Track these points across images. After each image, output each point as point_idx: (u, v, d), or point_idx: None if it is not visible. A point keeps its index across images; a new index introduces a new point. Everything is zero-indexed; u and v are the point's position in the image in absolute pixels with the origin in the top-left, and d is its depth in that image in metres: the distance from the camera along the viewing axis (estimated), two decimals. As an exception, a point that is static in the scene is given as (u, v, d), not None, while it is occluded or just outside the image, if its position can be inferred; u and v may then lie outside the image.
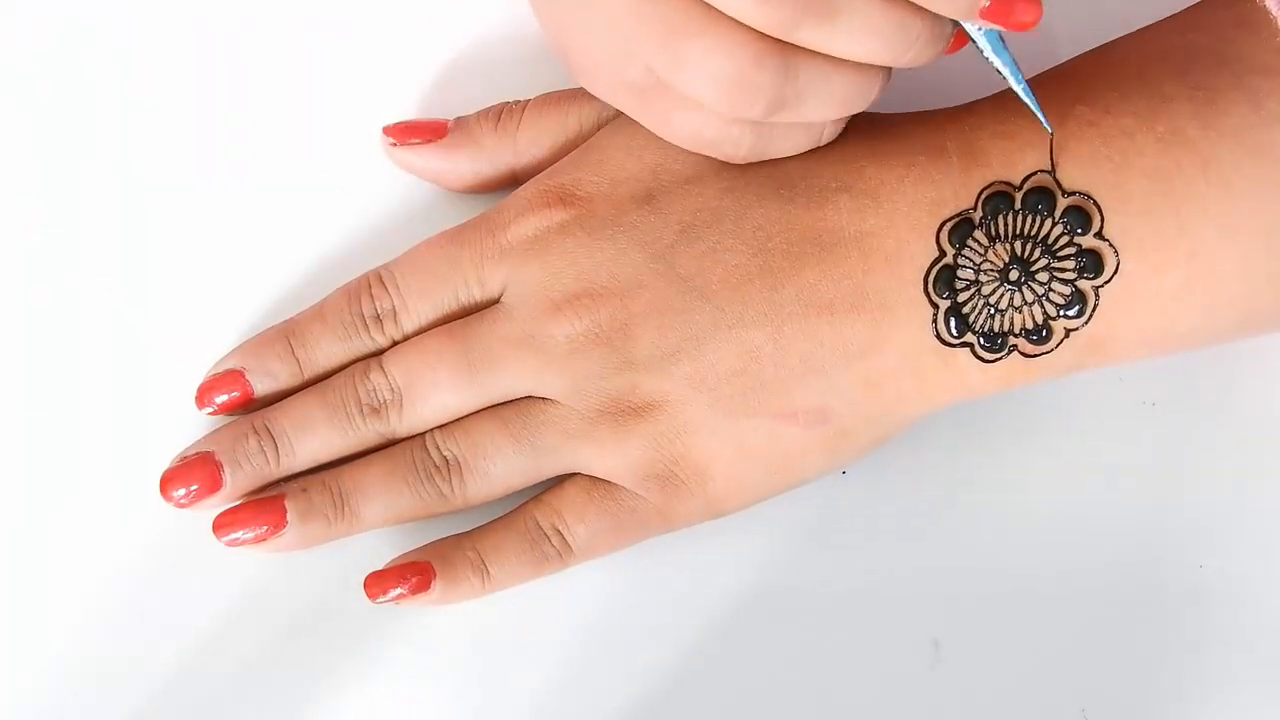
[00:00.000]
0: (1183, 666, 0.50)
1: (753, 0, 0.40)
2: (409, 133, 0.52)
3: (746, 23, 0.41)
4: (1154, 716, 0.50)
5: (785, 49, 0.42)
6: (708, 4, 0.41)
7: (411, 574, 0.49)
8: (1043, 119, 0.45)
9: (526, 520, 0.49)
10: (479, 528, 0.50)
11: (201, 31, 0.54)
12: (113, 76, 0.54)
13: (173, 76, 0.54)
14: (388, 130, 0.52)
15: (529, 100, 0.52)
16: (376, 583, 0.49)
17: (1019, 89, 0.45)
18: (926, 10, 0.41)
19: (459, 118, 0.52)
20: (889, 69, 0.44)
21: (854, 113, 0.45)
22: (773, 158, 0.47)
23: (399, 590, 0.49)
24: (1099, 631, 0.51)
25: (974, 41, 0.44)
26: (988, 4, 0.41)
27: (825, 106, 0.44)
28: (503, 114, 0.51)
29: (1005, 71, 0.44)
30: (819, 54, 0.42)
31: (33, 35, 0.54)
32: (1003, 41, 0.44)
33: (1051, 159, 0.46)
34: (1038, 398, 0.51)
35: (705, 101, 0.43)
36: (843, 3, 0.40)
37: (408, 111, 0.53)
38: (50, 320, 0.52)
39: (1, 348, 0.52)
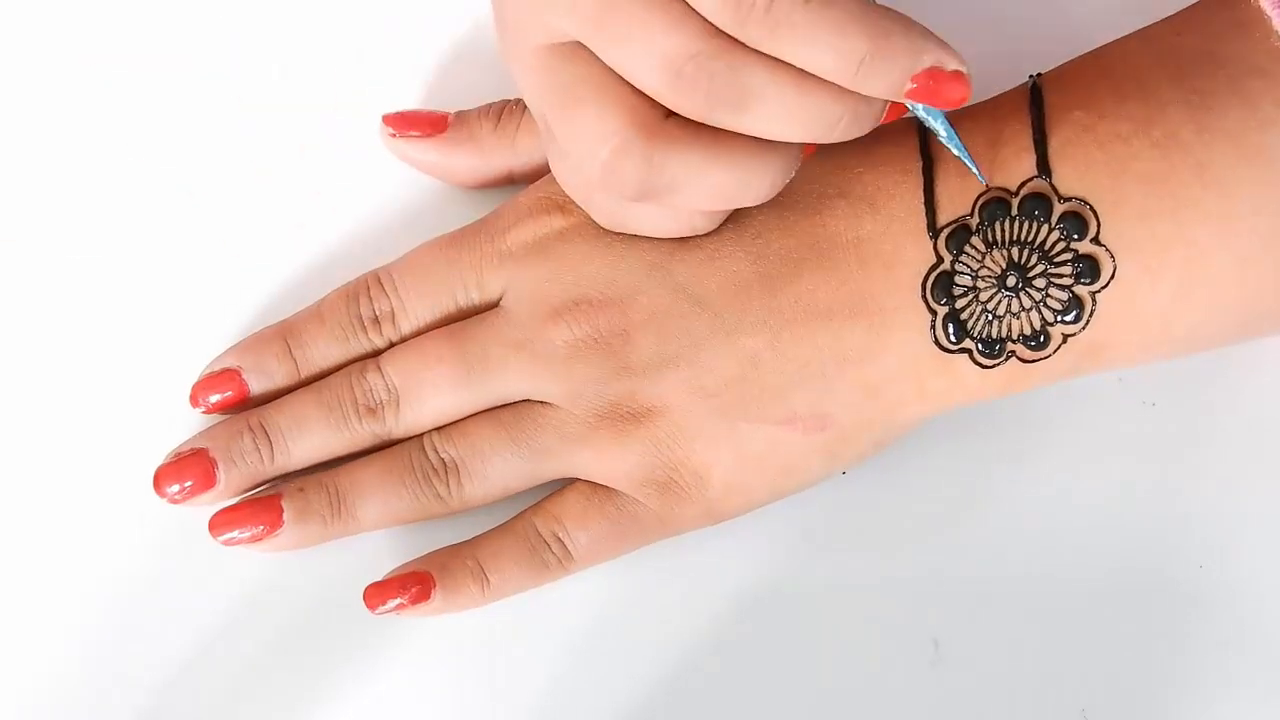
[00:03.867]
0: (1183, 666, 0.50)
1: (662, 86, 0.40)
2: (408, 124, 0.52)
3: (662, 103, 0.41)
4: (1154, 716, 0.50)
5: (656, 139, 0.41)
6: (613, 70, 0.41)
7: (412, 584, 0.49)
8: (977, 173, 0.45)
9: (526, 527, 0.49)
10: (478, 536, 0.50)
11: (201, 30, 0.54)
12: (112, 74, 0.54)
13: (171, 74, 0.54)
14: (387, 119, 0.52)
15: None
16: (377, 593, 0.49)
17: (953, 147, 0.45)
18: (850, 92, 0.40)
19: (459, 112, 0.52)
20: (789, 164, 0.43)
21: (742, 206, 0.44)
22: (636, 233, 0.47)
23: (399, 600, 0.49)
24: (1099, 631, 0.51)
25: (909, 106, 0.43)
26: (914, 86, 0.40)
27: (702, 200, 0.43)
28: (503, 114, 0.51)
29: (940, 131, 0.44)
30: (700, 147, 0.41)
31: (32, 33, 0.54)
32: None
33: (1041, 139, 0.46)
34: (1037, 398, 0.51)
35: (585, 175, 0.43)
36: (756, 90, 0.40)
37: (409, 105, 0.53)
38: (46, 317, 0.52)
39: (-2, 346, 0.52)
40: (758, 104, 0.40)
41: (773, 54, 0.39)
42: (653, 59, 0.39)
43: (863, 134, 0.41)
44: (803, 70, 0.39)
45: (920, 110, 0.44)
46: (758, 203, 0.44)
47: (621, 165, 0.41)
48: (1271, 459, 0.52)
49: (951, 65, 0.40)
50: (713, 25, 0.39)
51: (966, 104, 0.40)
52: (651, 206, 0.45)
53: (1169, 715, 0.50)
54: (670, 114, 0.41)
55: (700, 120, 0.41)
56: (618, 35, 0.40)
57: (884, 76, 0.39)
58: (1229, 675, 0.50)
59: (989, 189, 0.46)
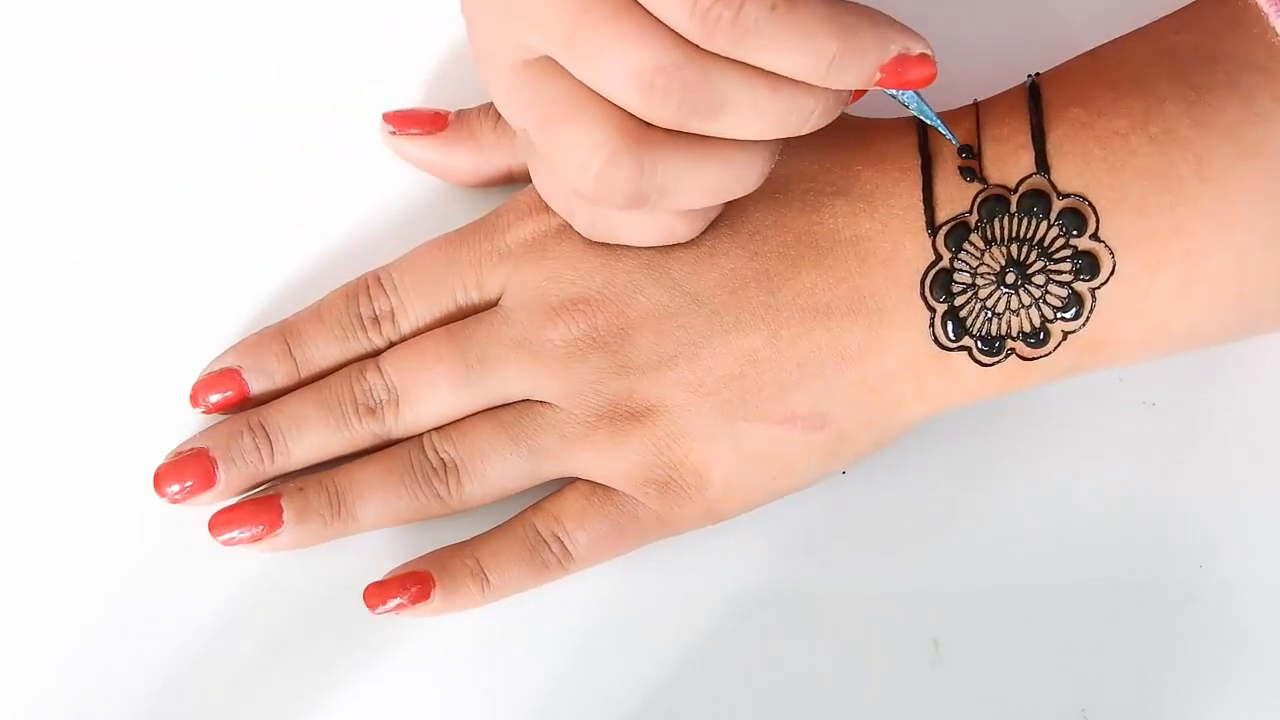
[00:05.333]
0: (1183, 666, 0.50)
1: (637, 99, 0.40)
2: (408, 122, 0.52)
3: (638, 115, 0.41)
4: (1154, 716, 0.50)
5: (643, 145, 0.41)
6: (588, 88, 0.41)
7: (411, 584, 0.49)
8: (950, 136, 0.46)
9: (526, 527, 0.49)
10: (478, 536, 0.50)
11: (201, 30, 0.54)
12: (112, 74, 0.54)
13: (171, 74, 0.54)
14: (387, 117, 0.52)
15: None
16: (377, 593, 0.49)
17: (923, 115, 0.45)
18: (821, 88, 0.41)
19: (460, 111, 0.52)
20: (771, 154, 0.44)
21: (732, 198, 0.45)
22: (618, 242, 0.48)
23: (399, 600, 0.49)
24: (1099, 631, 0.51)
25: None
26: (882, 75, 0.40)
27: (694, 199, 0.44)
28: (503, 113, 0.52)
29: (908, 102, 0.45)
30: (687, 149, 0.42)
31: (32, 34, 0.54)
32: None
33: (1039, 132, 0.46)
34: (1037, 398, 0.51)
35: (574, 186, 0.43)
36: (729, 96, 0.40)
37: (409, 104, 0.53)
38: (47, 317, 0.52)
39: (-2, 345, 0.52)
40: (732, 109, 0.40)
41: (743, 60, 0.39)
42: (625, 73, 0.40)
43: (833, 119, 0.42)
44: (773, 73, 0.40)
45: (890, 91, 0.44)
46: (747, 192, 0.44)
47: (613, 175, 0.42)
48: (1271, 459, 0.52)
49: (917, 50, 0.40)
50: (682, 36, 0.39)
51: (933, 83, 0.41)
52: (634, 214, 0.46)
53: (1169, 715, 0.50)
54: None
55: (677, 128, 0.41)
56: (589, 52, 0.40)
57: (854, 71, 0.40)
58: (1228, 675, 0.50)
59: (988, 186, 0.46)
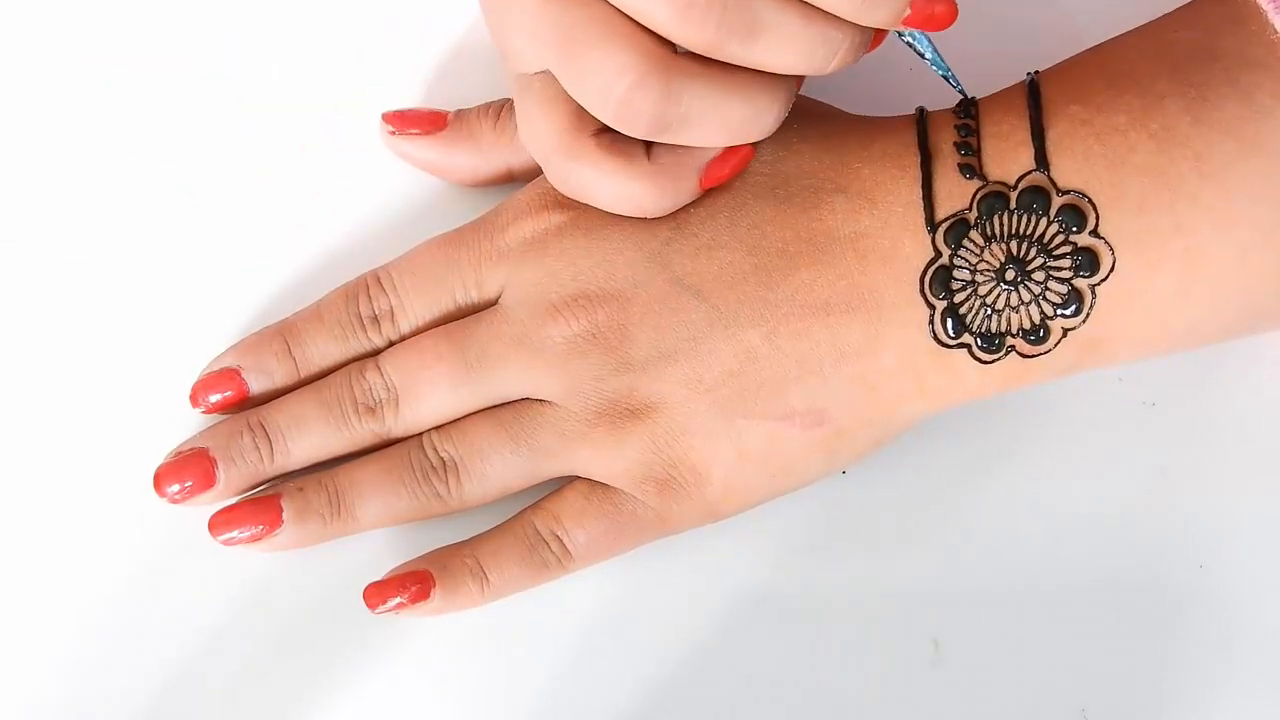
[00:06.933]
0: (1183, 666, 0.50)
1: (674, 19, 0.41)
2: (408, 122, 0.52)
3: (671, 38, 0.42)
4: (1154, 716, 0.50)
5: (671, 71, 0.43)
6: (618, 10, 0.42)
7: (411, 583, 0.49)
8: (960, 88, 0.47)
9: (525, 526, 0.49)
10: (478, 535, 0.50)
11: (201, 30, 0.54)
12: (112, 74, 0.54)
13: (171, 74, 0.54)
14: (387, 117, 0.52)
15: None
16: (376, 593, 0.49)
17: (936, 67, 0.46)
18: (849, 22, 0.42)
19: (459, 111, 0.52)
20: (789, 96, 0.45)
21: (746, 141, 0.46)
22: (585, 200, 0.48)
23: (399, 599, 0.49)
24: (1099, 631, 0.50)
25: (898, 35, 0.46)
26: (910, 12, 0.42)
27: (714, 133, 0.45)
28: (503, 112, 0.52)
29: (925, 51, 0.46)
30: (713, 79, 0.43)
31: (32, 34, 0.54)
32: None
33: (1038, 125, 0.46)
34: (1037, 398, 0.51)
35: (595, 114, 0.44)
36: (766, 21, 0.41)
37: (409, 104, 0.53)
38: (47, 317, 0.53)
39: (-3, 345, 0.52)
40: (766, 35, 0.41)
41: None
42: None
43: (855, 62, 0.43)
44: (808, 2, 0.41)
45: (908, 35, 0.46)
46: (762, 137, 0.46)
47: (639, 99, 0.43)
48: (1271, 459, 0.52)
49: None
50: None
51: (954, 23, 0.42)
52: (610, 178, 0.46)
53: (1169, 715, 0.50)
54: (678, 51, 0.43)
55: (708, 53, 0.42)
56: None
57: (888, 7, 0.41)
58: (1229, 675, 0.50)
59: (987, 183, 0.46)
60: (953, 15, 0.42)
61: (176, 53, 0.54)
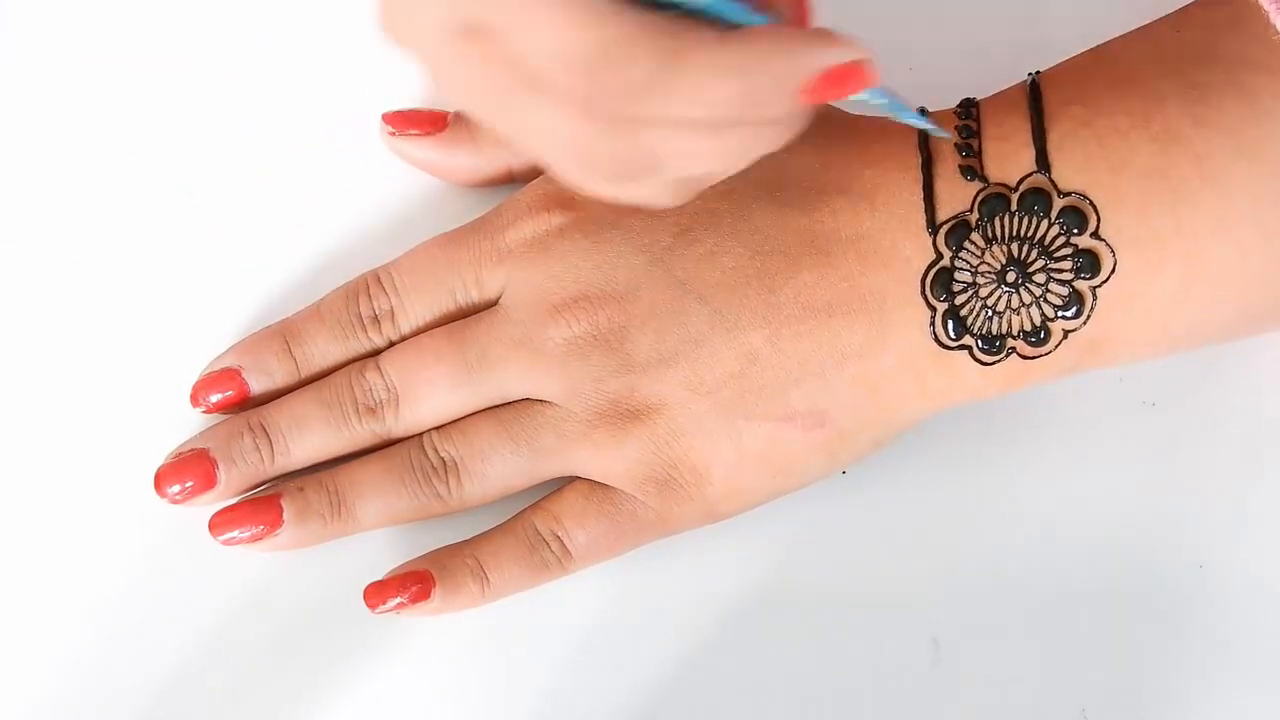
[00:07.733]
0: (1183, 666, 0.50)
1: (578, 169, 0.38)
2: (408, 122, 0.52)
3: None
4: (1154, 716, 0.50)
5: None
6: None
7: (411, 583, 0.49)
8: (938, 131, 0.45)
9: (525, 526, 0.49)
10: (478, 535, 0.50)
11: (202, 30, 0.54)
12: (112, 74, 0.54)
13: (171, 74, 0.54)
14: (387, 118, 0.52)
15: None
16: (376, 593, 0.49)
17: (897, 115, 0.43)
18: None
19: (459, 111, 0.52)
20: (793, 123, 0.39)
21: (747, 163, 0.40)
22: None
23: (399, 599, 0.49)
24: (1099, 631, 0.50)
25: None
26: (811, 91, 0.37)
27: (695, 164, 0.39)
28: (503, 113, 0.51)
29: (880, 101, 0.42)
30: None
31: (32, 34, 0.54)
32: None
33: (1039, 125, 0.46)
34: (1037, 398, 0.51)
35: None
36: (664, 152, 0.37)
37: (409, 104, 0.53)
38: (47, 317, 0.52)
39: (-2, 345, 0.52)
40: (672, 160, 0.37)
41: (661, 118, 0.36)
42: (558, 146, 0.37)
43: (802, 125, 0.38)
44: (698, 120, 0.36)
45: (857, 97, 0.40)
46: (771, 150, 0.39)
47: (596, 147, 0.37)
48: (1271, 459, 0.52)
49: (836, 59, 0.37)
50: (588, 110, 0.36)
51: (875, 84, 0.37)
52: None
53: (1169, 715, 0.50)
54: None
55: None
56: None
57: (776, 104, 0.37)
58: (1229, 675, 0.50)
59: (988, 185, 0.46)
60: (866, 80, 0.37)
61: (176, 53, 0.54)
